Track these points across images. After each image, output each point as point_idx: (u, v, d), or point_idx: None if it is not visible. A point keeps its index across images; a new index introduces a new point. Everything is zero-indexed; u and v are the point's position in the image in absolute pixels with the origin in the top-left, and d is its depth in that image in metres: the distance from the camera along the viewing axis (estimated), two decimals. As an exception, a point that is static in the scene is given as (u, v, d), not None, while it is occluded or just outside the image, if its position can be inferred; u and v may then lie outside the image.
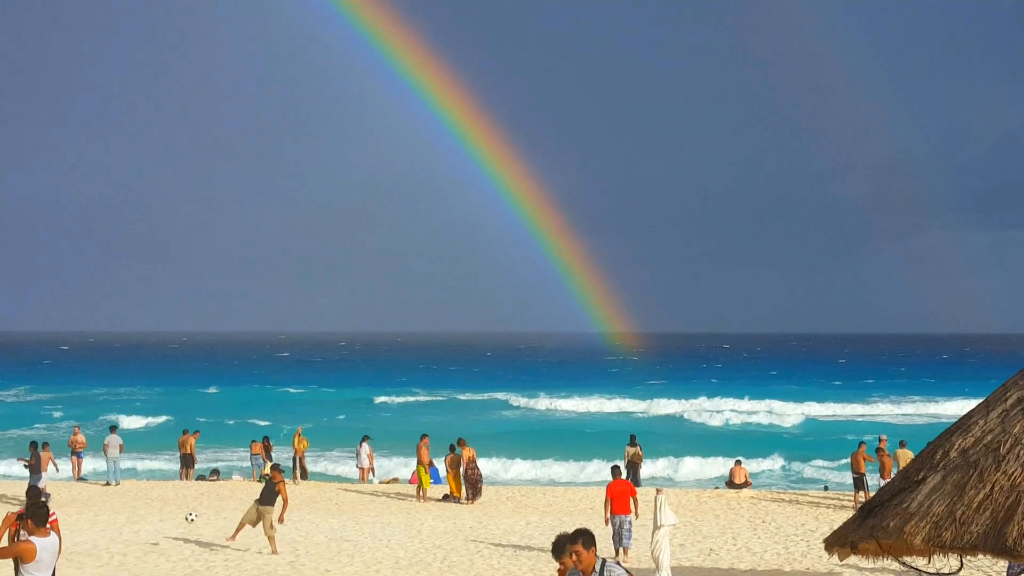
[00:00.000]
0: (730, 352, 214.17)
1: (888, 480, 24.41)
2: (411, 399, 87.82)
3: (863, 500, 28.95)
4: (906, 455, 30.53)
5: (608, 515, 22.34)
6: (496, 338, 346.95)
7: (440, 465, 37.07)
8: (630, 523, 22.44)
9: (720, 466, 45.73)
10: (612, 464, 25.52)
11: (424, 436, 33.96)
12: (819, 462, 48.05)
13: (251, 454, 38.00)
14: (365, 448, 37.77)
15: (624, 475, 28.60)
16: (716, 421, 70.66)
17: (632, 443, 35.75)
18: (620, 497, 22.45)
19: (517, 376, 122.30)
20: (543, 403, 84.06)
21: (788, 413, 72.83)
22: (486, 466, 43.70)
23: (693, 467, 46.40)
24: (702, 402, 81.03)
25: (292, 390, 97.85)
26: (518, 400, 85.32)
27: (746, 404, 78.42)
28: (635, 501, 22.70)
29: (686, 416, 73.45)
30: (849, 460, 31.80)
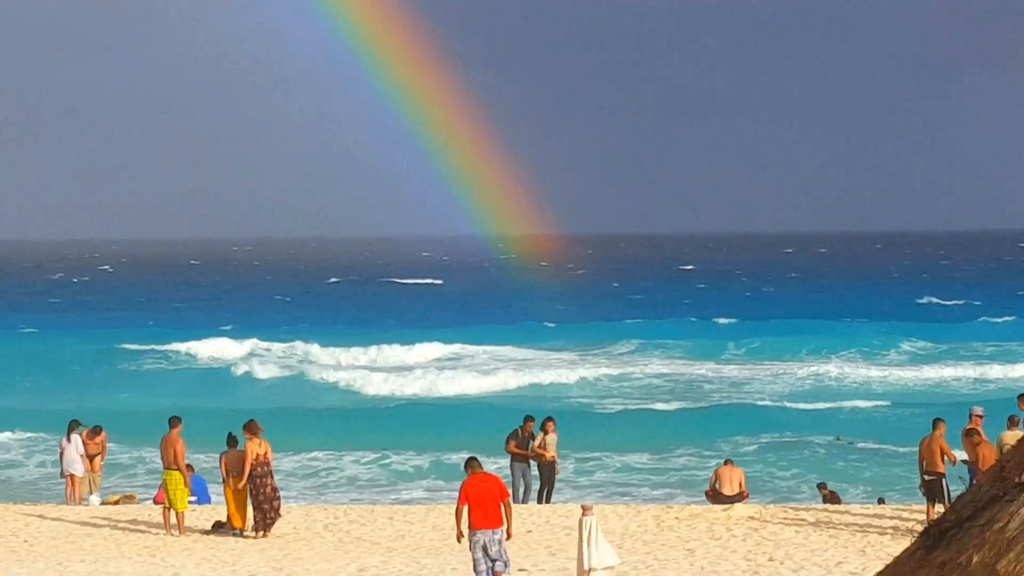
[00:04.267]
0: (704, 261, 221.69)
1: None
2: (178, 348, 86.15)
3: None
4: (1016, 437, 29.56)
5: (462, 529, 23.77)
6: (335, 245, 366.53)
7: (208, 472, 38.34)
8: (500, 542, 23.49)
9: (694, 466, 47.47)
10: (468, 458, 25.49)
11: (176, 420, 33.20)
12: (865, 459, 49.68)
13: None
14: (76, 441, 37.57)
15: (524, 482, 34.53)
16: (683, 388, 70.19)
17: (537, 427, 36.53)
18: (483, 501, 23.53)
19: (349, 314, 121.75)
20: (394, 354, 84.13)
21: (811, 372, 74.31)
22: (288, 471, 45.99)
23: (645, 466, 47.99)
24: (655, 361, 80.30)
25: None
26: (352, 354, 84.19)
27: (736, 367, 77.73)
28: (508, 507, 23.73)
29: (631, 379, 73.89)
30: (918, 452, 32.16)
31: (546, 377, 74.31)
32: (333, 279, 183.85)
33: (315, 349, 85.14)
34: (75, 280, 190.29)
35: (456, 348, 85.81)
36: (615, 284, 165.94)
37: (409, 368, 79.33)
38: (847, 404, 63.01)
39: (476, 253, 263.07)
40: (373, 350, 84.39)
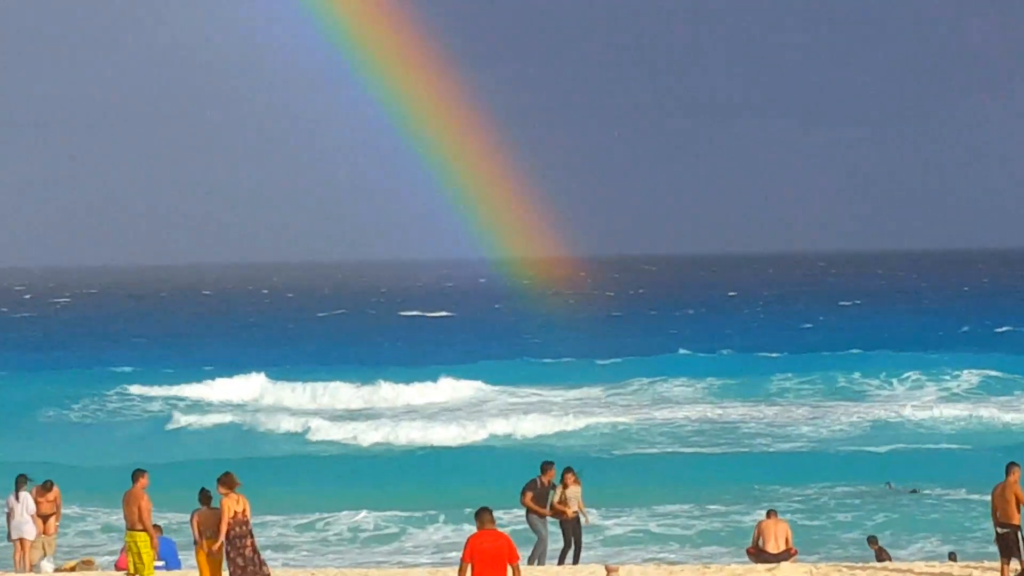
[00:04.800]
0: (748, 286, 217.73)
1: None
2: (145, 391, 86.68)
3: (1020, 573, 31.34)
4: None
5: None
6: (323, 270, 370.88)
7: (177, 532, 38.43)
8: None
9: (735, 516, 48.17)
10: (479, 509, 25.09)
11: (140, 473, 32.69)
12: (931, 509, 50.03)
13: None
14: (26, 500, 37.66)
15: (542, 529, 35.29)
16: (723, 431, 70.65)
17: (553, 475, 36.62)
18: (488, 561, 23.60)
19: (335, 345, 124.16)
20: (401, 396, 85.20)
21: (870, 411, 74.72)
22: (281, 525, 46.58)
23: (680, 518, 48.75)
24: (693, 400, 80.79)
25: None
26: (354, 396, 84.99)
27: (783, 406, 78.20)
28: (516, 572, 23.83)
29: (664, 421, 74.36)
30: (991, 500, 31.78)
31: (570, 419, 74.57)
32: (336, 311, 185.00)
33: (310, 390, 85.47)
34: (27, 314, 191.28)
35: (472, 388, 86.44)
36: (652, 312, 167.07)
37: (418, 411, 79.94)
38: (910, 446, 63.10)
39: (486, 279, 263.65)
40: (372, 392, 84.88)
